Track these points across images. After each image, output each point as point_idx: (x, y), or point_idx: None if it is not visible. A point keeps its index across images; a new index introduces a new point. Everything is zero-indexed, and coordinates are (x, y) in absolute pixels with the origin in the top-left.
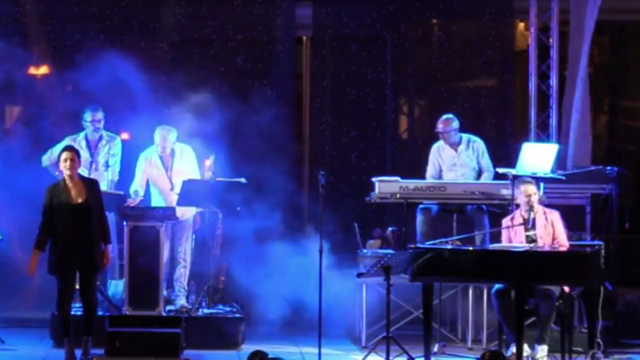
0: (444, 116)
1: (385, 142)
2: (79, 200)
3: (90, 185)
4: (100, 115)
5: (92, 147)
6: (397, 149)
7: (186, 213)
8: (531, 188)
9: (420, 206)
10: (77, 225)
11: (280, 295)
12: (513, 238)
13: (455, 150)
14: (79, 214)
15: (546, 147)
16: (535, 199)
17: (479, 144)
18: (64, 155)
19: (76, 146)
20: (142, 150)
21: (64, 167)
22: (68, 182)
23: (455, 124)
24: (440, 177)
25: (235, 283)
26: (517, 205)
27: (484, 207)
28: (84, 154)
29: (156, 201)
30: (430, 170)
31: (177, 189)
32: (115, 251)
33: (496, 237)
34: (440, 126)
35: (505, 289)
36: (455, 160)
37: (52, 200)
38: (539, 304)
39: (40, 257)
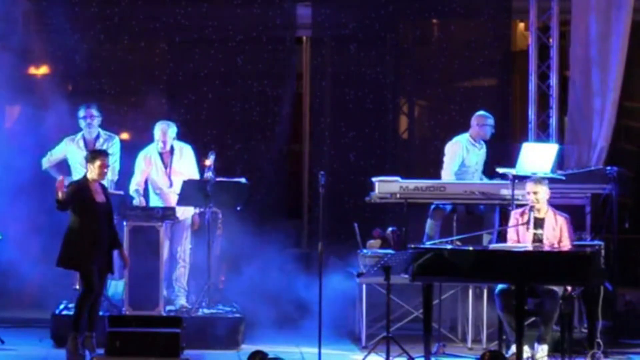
0: (480, 112)
1: (385, 142)
2: (101, 200)
3: (104, 187)
4: (94, 111)
5: (90, 147)
6: (396, 149)
7: (185, 213)
8: (533, 186)
9: (432, 206)
10: (101, 224)
11: (280, 295)
12: (520, 235)
13: (478, 148)
14: (102, 213)
15: (546, 147)
16: (539, 197)
17: (484, 145)
18: (101, 161)
19: (75, 146)
20: (142, 149)
21: (101, 173)
22: (90, 182)
23: (492, 120)
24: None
25: (235, 283)
26: (517, 206)
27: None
28: (82, 154)
29: (154, 199)
30: (452, 167)
31: (175, 188)
32: (115, 251)
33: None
34: (479, 120)
35: (509, 289)
36: (479, 159)
37: (77, 197)
38: (543, 301)
39: (50, 253)
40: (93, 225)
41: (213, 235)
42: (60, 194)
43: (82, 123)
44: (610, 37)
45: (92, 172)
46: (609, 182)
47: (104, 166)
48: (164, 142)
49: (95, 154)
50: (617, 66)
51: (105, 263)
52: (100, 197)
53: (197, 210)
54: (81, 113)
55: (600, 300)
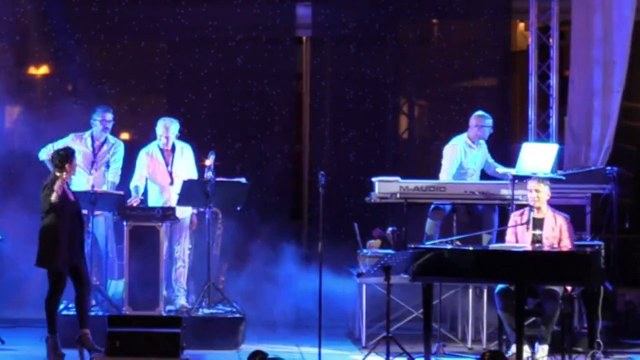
0: (479, 112)
1: (385, 142)
2: (73, 199)
3: (69, 186)
4: (109, 116)
5: (96, 147)
6: (396, 149)
7: (183, 212)
8: (536, 184)
9: (432, 206)
10: (74, 222)
11: (280, 295)
12: (519, 236)
13: (476, 150)
14: (74, 211)
15: (546, 147)
16: (540, 196)
17: (484, 143)
18: (75, 160)
19: (82, 144)
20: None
21: (74, 172)
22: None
23: (490, 120)
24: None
25: (235, 283)
26: (517, 206)
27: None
28: (88, 152)
29: (154, 197)
30: (450, 170)
31: (175, 187)
32: (115, 251)
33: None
34: (477, 120)
35: (509, 289)
36: (477, 160)
37: (52, 197)
38: (543, 302)
39: (30, 251)
40: (67, 225)
41: (213, 235)
42: (56, 194)
43: (98, 125)
44: (613, 38)
45: (69, 172)
46: (609, 182)
47: (75, 165)
48: (167, 138)
49: (69, 152)
50: (621, 67)
51: (82, 260)
52: (72, 196)
53: (195, 211)
54: (98, 116)
55: (600, 300)
